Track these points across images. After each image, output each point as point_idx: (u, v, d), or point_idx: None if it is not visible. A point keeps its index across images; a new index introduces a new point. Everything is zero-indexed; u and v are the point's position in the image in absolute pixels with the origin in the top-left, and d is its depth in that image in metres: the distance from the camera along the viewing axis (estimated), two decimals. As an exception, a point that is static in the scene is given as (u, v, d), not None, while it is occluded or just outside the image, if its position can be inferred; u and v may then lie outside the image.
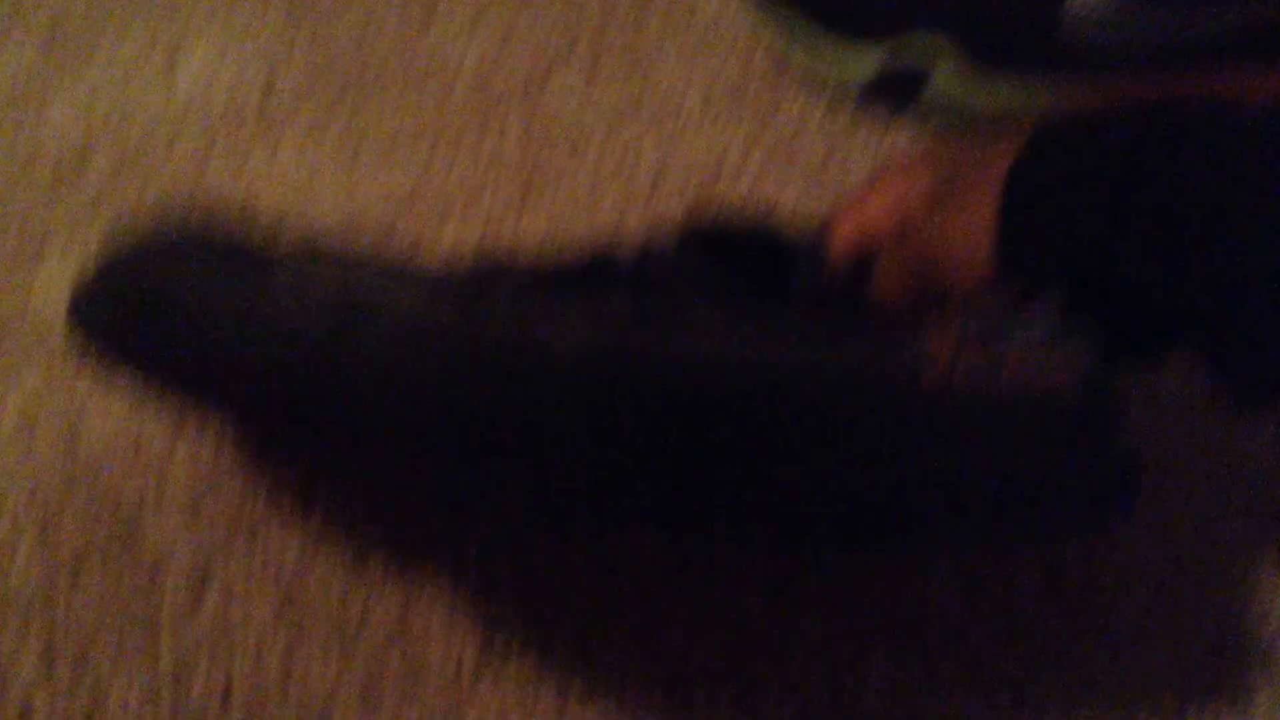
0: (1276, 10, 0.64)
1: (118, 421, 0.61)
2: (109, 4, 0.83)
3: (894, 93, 0.74)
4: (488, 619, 0.55)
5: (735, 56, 0.79)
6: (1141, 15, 0.65)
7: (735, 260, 0.48)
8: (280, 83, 0.78)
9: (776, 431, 0.40)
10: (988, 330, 0.41)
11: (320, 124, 0.76)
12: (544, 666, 0.54)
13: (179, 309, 0.42)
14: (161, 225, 0.46)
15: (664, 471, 0.41)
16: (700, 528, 0.47)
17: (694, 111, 0.76)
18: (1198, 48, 0.66)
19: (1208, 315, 0.40)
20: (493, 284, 0.42)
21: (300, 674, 0.53)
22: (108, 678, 0.53)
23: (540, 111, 0.76)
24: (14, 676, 0.53)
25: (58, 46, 0.81)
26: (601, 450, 0.41)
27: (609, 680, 0.53)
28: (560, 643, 0.54)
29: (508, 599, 0.55)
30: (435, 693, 0.53)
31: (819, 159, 0.73)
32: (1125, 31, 0.66)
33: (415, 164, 0.73)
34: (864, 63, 0.73)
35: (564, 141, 0.74)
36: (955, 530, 0.44)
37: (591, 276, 0.46)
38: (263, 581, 0.55)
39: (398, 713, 0.53)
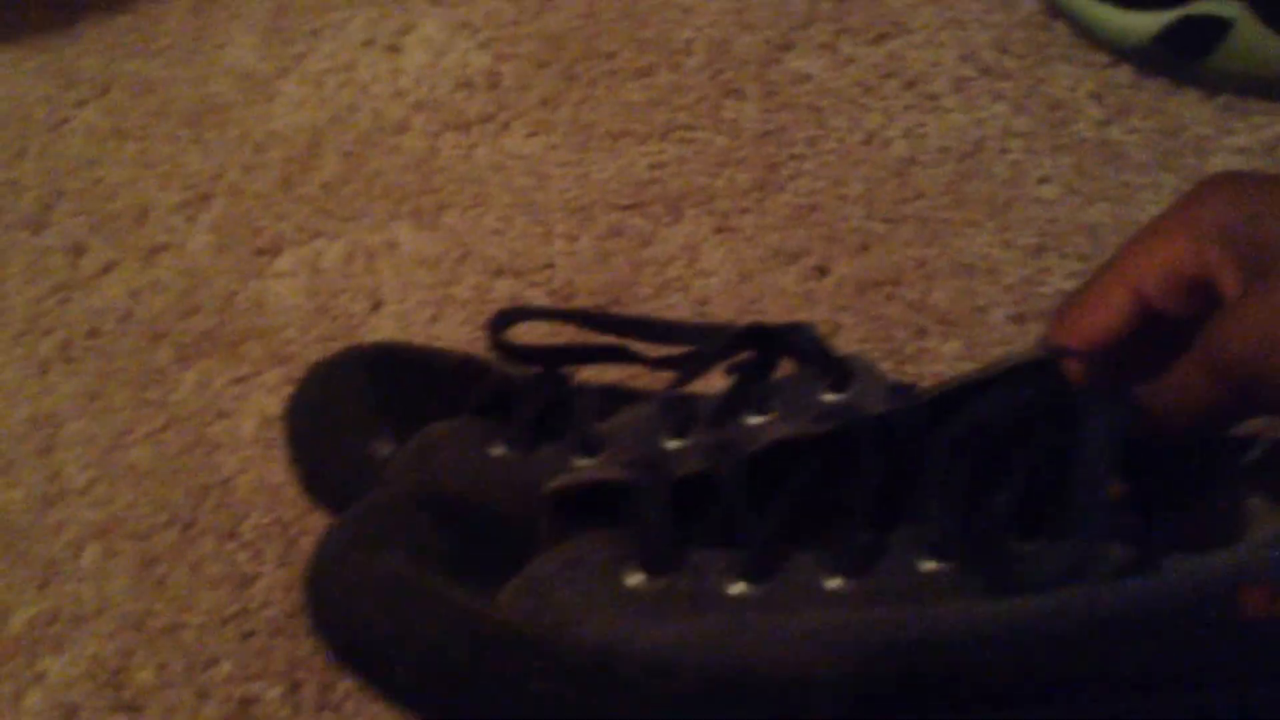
0: None
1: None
2: (330, -10, 0.82)
3: (1181, 49, 0.67)
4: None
5: (991, 25, 0.73)
6: None
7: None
8: (506, 64, 0.75)
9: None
10: None
11: (549, 105, 0.73)
12: None
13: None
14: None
15: None
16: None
17: (947, 85, 0.70)
18: None
19: None
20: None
21: None
22: (354, 713, 0.51)
23: (779, 88, 0.71)
24: (258, 707, 0.52)
25: (281, 36, 0.79)
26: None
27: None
28: None
29: None
30: None
31: (1094, 132, 0.67)
32: None
33: (648, 148, 0.70)
34: (1149, 21, 0.67)
35: (805, 122, 0.70)
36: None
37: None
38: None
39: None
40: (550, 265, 0.65)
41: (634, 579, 0.38)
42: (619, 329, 0.51)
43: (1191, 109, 0.67)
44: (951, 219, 0.65)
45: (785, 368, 0.48)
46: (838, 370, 0.45)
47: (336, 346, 0.60)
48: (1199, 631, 0.35)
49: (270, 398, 0.61)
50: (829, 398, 0.45)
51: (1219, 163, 0.65)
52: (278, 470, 0.58)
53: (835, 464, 0.39)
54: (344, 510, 0.44)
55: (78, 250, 0.69)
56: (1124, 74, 0.69)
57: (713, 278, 0.63)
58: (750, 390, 0.47)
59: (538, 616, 0.37)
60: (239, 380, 0.62)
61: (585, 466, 0.47)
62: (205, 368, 0.63)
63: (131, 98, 0.77)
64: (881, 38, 0.73)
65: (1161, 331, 0.43)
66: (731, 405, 0.46)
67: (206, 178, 0.72)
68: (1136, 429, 0.38)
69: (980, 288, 0.62)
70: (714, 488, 0.40)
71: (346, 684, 0.52)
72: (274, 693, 0.52)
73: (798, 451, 0.40)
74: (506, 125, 0.72)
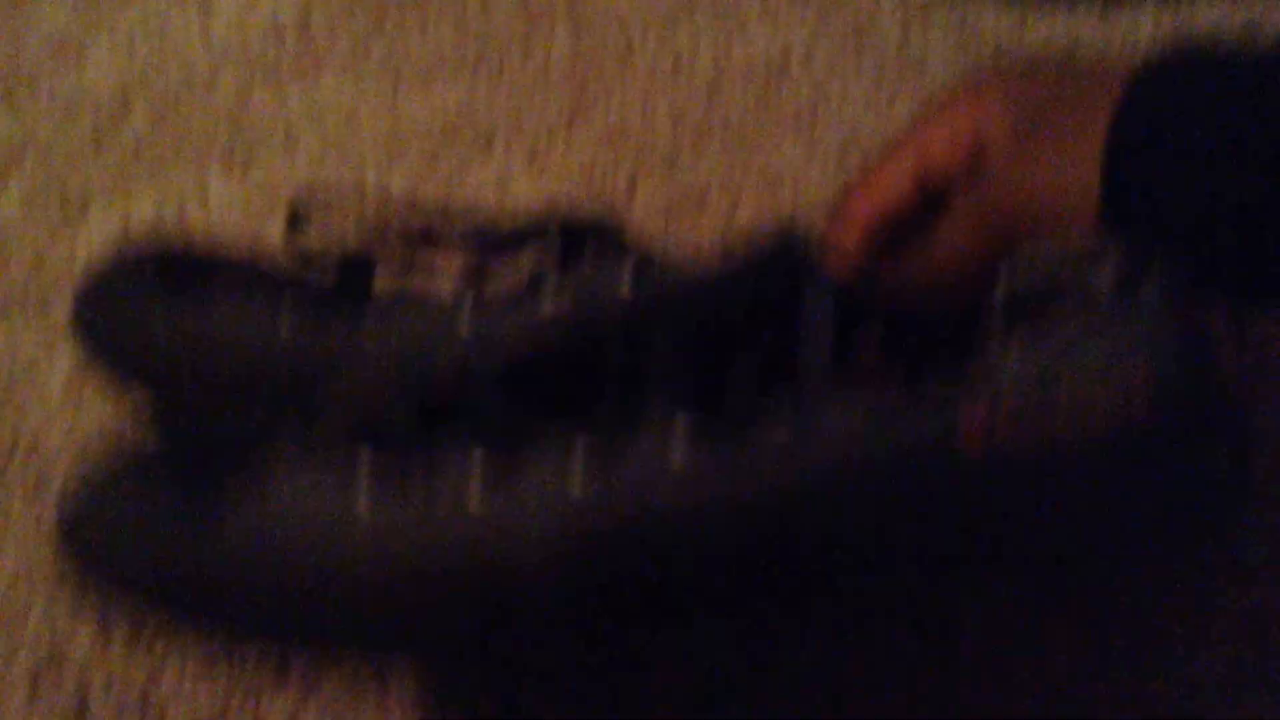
0: None
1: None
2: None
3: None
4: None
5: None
6: None
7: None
8: (316, 11, 0.75)
9: (817, 520, 0.36)
10: (1027, 380, 0.35)
11: (360, 52, 0.73)
12: None
13: None
14: None
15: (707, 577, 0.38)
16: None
17: (753, 8, 0.71)
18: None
19: None
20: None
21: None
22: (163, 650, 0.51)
23: (587, 19, 0.72)
24: (70, 653, 0.51)
25: (91, -4, 0.78)
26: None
27: None
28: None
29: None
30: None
31: (893, 49, 0.68)
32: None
33: (458, 86, 0.70)
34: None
35: (613, 50, 0.70)
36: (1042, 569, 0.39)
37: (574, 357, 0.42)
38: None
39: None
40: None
41: (366, 462, 0.39)
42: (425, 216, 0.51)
43: (990, 14, 0.69)
44: (758, 136, 0.65)
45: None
46: (634, 261, 0.46)
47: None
48: (919, 470, 0.36)
49: (77, 354, 0.60)
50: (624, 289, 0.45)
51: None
52: (87, 424, 0.57)
53: (579, 355, 0.40)
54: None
55: (-118, 220, 0.68)
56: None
57: (524, 204, 0.64)
58: (546, 277, 0.47)
59: (262, 536, 0.39)
60: (46, 341, 0.61)
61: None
62: (12, 327, 0.62)
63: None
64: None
65: (933, 211, 0.44)
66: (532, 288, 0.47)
67: (16, 141, 0.71)
68: (881, 300, 0.41)
69: (786, 199, 0.63)
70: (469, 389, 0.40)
71: (156, 622, 0.51)
72: (84, 636, 0.52)
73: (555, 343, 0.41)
74: (318, 72, 0.72)
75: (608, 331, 0.40)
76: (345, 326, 0.49)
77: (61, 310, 0.62)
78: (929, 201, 0.44)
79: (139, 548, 0.39)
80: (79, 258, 0.64)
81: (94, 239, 0.65)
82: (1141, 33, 0.67)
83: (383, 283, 0.51)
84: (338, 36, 0.73)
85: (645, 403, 0.38)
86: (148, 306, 0.51)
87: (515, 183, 0.64)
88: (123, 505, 0.39)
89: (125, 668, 0.51)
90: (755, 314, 0.39)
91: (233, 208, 0.66)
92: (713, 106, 0.67)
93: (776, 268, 0.40)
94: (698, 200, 0.63)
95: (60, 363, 0.60)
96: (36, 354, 0.61)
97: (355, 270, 0.51)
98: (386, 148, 0.67)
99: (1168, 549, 0.43)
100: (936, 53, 0.67)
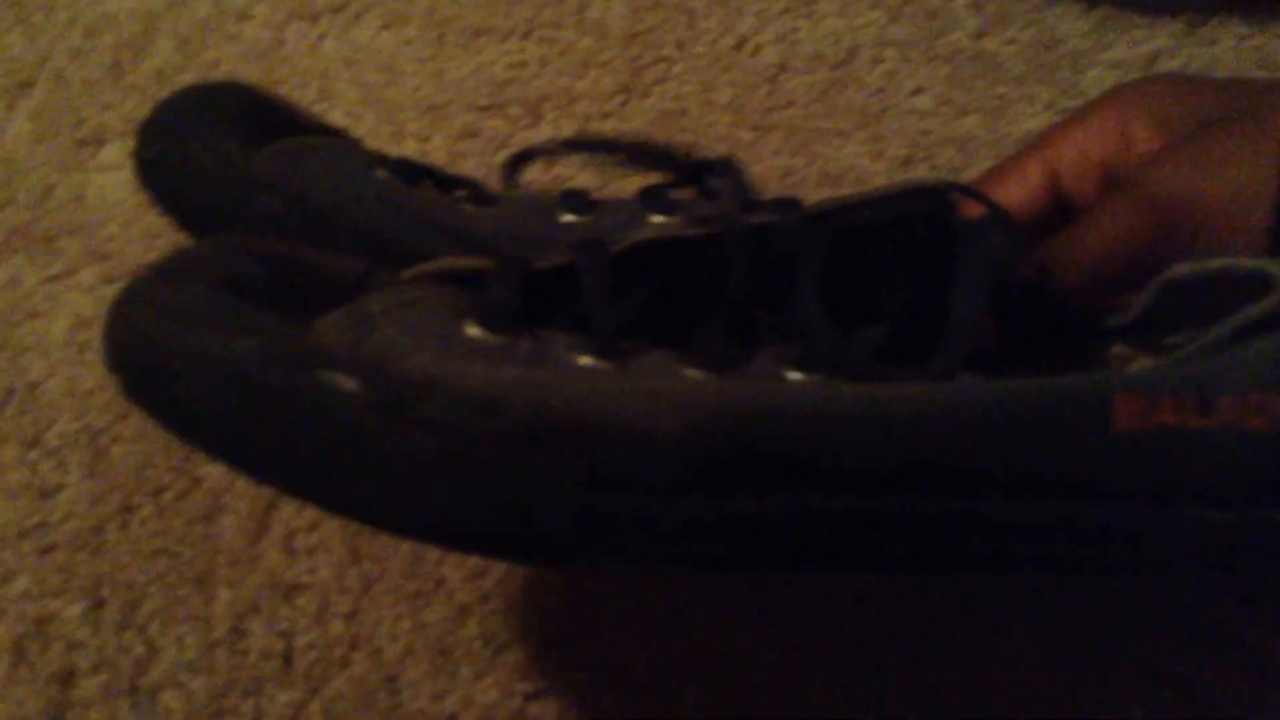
0: None
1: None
2: None
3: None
4: (576, 595, 0.48)
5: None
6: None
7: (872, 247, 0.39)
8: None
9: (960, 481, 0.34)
10: (1188, 382, 0.34)
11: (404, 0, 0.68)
12: (618, 648, 0.48)
13: None
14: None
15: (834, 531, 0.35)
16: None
17: (824, -10, 0.67)
18: None
19: None
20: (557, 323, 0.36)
21: (367, 638, 0.48)
22: (158, 634, 0.48)
23: (650, -13, 0.67)
24: (57, 628, 0.48)
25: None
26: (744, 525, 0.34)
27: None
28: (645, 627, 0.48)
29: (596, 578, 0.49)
30: (512, 666, 0.47)
31: (967, 50, 0.64)
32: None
33: (508, 50, 0.66)
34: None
35: (675, 24, 0.66)
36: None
37: (684, 286, 0.38)
38: (327, 532, 0.50)
39: (471, 686, 0.47)
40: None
41: (473, 330, 0.35)
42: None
43: (1069, 21, 0.65)
44: (821, 128, 0.62)
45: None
46: (745, 200, 0.48)
47: (161, 244, 0.57)
48: (1069, 438, 0.33)
49: (85, 298, 0.57)
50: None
51: (1095, 76, 0.63)
52: (89, 375, 0.54)
53: (709, 269, 0.37)
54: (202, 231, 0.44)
55: (-122, 139, 0.64)
56: (1005, -16, 0.66)
57: (569, 183, 0.60)
58: (659, 194, 0.49)
59: (356, 342, 0.34)
60: (52, 279, 0.57)
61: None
62: (15, 265, 0.58)
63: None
64: (760, -60, 0.69)
65: (1066, 219, 0.43)
66: (637, 197, 0.49)
67: (28, 63, 0.67)
68: (1027, 274, 0.39)
69: (849, 199, 0.60)
70: (576, 282, 0.37)
71: (151, 604, 0.48)
72: (74, 610, 0.48)
73: (675, 256, 0.38)
74: (358, 16, 0.68)
75: (732, 253, 0.37)
76: (446, 199, 0.48)
77: (69, 249, 0.58)
78: (1059, 208, 0.44)
79: (212, 356, 0.32)
80: (89, 195, 0.61)
81: (106, 175, 0.61)
82: (1222, 51, 0.64)
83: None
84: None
85: (754, 336, 0.36)
86: (231, 147, 0.48)
87: (562, 162, 0.60)
88: (191, 309, 0.34)
89: (116, 649, 0.48)
90: (891, 258, 0.37)
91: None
92: (775, 95, 0.63)
93: (926, 212, 0.37)
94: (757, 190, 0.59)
95: (65, 307, 0.57)
96: (39, 295, 0.57)
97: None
98: (428, 108, 0.63)
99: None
100: (1012, 56, 0.64)
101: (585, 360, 0.34)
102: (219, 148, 0.47)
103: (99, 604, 0.49)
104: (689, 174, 0.51)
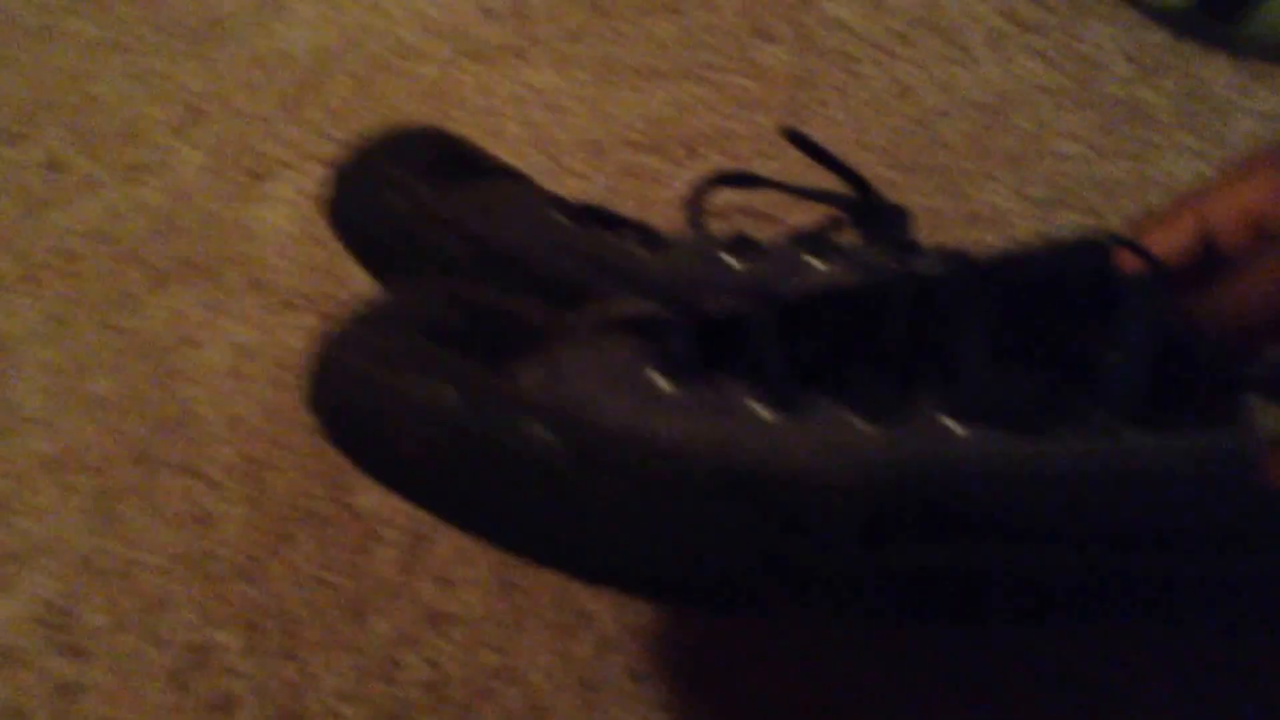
0: None
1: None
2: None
3: (1216, 12, 0.64)
4: (718, 630, 0.49)
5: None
6: None
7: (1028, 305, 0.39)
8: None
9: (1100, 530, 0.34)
10: None
11: (574, 38, 0.70)
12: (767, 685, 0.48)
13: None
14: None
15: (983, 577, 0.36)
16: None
17: (981, 38, 0.67)
18: None
19: None
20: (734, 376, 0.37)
21: (515, 668, 0.48)
22: (315, 662, 0.49)
23: (812, 32, 0.68)
24: (216, 657, 0.49)
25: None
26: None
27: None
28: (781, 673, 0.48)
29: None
30: (655, 700, 0.48)
31: (1119, 98, 0.64)
32: None
33: (669, 89, 0.67)
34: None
35: (835, 68, 0.67)
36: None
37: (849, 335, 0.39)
38: (478, 564, 0.50)
39: (616, 718, 0.47)
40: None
41: (658, 379, 0.36)
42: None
43: (1219, 72, 0.65)
44: (969, 170, 0.62)
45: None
46: (908, 247, 0.49)
47: (324, 277, 0.58)
48: (1217, 494, 0.34)
49: (245, 328, 0.58)
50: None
51: (1243, 126, 0.63)
52: (248, 404, 0.55)
53: (874, 318, 0.38)
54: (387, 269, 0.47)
55: (56, 166, 0.66)
56: (1157, 34, 0.66)
57: (724, 221, 0.61)
58: (822, 239, 0.50)
59: (554, 392, 0.35)
60: (214, 308, 0.59)
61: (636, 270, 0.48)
62: (179, 294, 0.60)
63: (129, 7, 0.74)
64: (918, -15, 0.70)
65: (1215, 272, 0.42)
66: (800, 242, 0.49)
67: (203, 95, 0.69)
68: (1178, 326, 0.38)
69: (993, 240, 0.60)
70: (748, 332, 0.38)
71: (310, 633, 0.50)
72: (233, 640, 0.50)
73: (842, 305, 0.39)
74: (528, 57, 0.69)
75: (897, 303, 0.38)
76: (620, 239, 0.50)
77: (232, 279, 0.60)
78: (1210, 261, 0.43)
79: (418, 401, 0.34)
80: (256, 226, 0.62)
81: (272, 206, 0.63)
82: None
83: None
84: (551, 22, 0.70)
85: (915, 385, 0.36)
86: (421, 190, 0.49)
87: (713, 198, 0.60)
88: (394, 355, 0.35)
89: (273, 677, 0.49)
90: (1056, 313, 0.38)
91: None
92: (929, 137, 0.63)
93: (1088, 268, 0.38)
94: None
95: (226, 336, 0.58)
96: (201, 324, 0.58)
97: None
98: (589, 145, 0.64)
99: None
100: (1164, 107, 0.64)
101: (762, 410, 0.35)
102: (411, 191, 0.49)
103: (258, 632, 0.50)
104: (856, 215, 0.52)
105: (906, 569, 0.34)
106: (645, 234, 0.51)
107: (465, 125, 0.65)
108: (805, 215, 0.56)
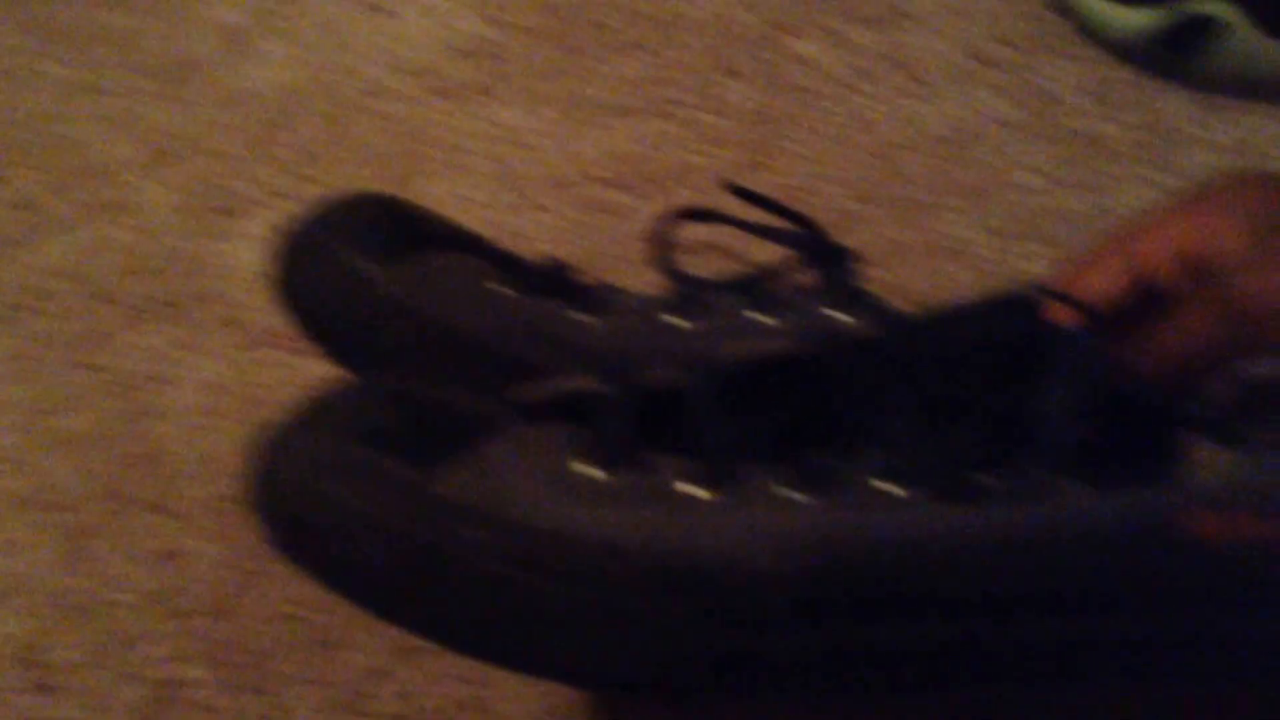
0: None
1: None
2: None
3: (1178, 46, 0.66)
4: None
5: (992, 16, 0.71)
6: None
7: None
8: (502, 32, 0.73)
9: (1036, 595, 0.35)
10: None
11: (543, 76, 0.71)
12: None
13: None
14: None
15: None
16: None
17: (943, 74, 0.68)
18: None
19: None
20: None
21: (488, 700, 0.49)
22: (286, 696, 0.49)
23: (776, 69, 0.69)
24: (188, 692, 0.49)
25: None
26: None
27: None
28: None
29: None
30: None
31: (1077, 130, 0.65)
32: None
33: (635, 127, 0.68)
34: (1144, 18, 0.66)
35: (798, 104, 0.68)
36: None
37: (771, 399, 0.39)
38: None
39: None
40: (522, 235, 0.63)
41: (588, 471, 0.37)
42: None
43: (1177, 106, 0.66)
44: (933, 203, 0.63)
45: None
46: (851, 296, 0.50)
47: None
48: (1149, 554, 0.35)
49: (216, 365, 0.59)
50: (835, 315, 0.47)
51: (1198, 159, 0.64)
52: (219, 441, 0.56)
53: (809, 383, 0.39)
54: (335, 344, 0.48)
55: (29, 206, 0.66)
56: (1113, 69, 0.68)
57: (692, 255, 0.61)
58: (765, 288, 0.51)
59: (484, 495, 0.36)
60: (185, 346, 0.60)
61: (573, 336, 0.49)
62: (150, 332, 0.60)
63: (101, 49, 0.74)
64: (883, 24, 0.71)
65: (1149, 312, 0.44)
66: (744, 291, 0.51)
67: (173, 135, 0.69)
68: (1111, 375, 0.39)
69: (954, 270, 0.61)
70: (685, 405, 0.38)
71: (281, 667, 0.50)
72: (204, 675, 0.50)
73: (777, 373, 0.40)
74: (497, 94, 0.70)
75: (834, 367, 0.39)
76: (562, 308, 0.50)
77: (202, 317, 0.60)
78: (1143, 299, 0.44)
79: (351, 510, 0.35)
80: (227, 264, 0.63)
81: (242, 244, 0.63)
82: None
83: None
84: (521, 60, 0.71)
85: (865, 447, 0.37)
86: (365, 266, 0.49)
87: (684, 231, 0.61)
88: (330, 461, 0.36)
89: (245, 712, 0.49)
90: (987, 370, 0.38)
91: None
92: (890, 170, 0.64)
93: (1016, 325, 0.38)
94: (867, 261, 0.60)
95: (196, 373, 0.58)
96: (171, 360, 0.59)
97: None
98: (554, 181, 0.65)
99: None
100: (1122, 140, 0.65)
101: (692, 490, 0.36)
102: (354, 269, 0.49)
103: (229, 667, 0.50)
104: (808, 254, 0.53)
105: (850, 645, 0.35)
106: (593, 295, 0.51)
107: (434, 162, 0.66)
108: (769, 251, 0.56)
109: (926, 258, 0.62)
